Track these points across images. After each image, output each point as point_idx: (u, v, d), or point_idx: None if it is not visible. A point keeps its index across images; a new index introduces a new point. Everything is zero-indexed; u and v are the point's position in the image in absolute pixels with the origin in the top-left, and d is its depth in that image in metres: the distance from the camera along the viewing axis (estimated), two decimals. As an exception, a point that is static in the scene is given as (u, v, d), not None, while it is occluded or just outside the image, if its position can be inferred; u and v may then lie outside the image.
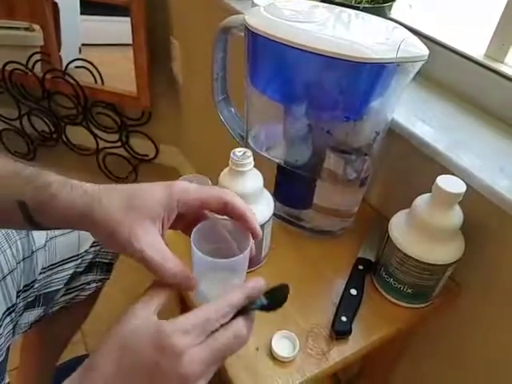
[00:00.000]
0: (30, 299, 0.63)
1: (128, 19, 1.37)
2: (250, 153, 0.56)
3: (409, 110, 0.66)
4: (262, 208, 0.58)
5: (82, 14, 1.78)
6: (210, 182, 0.67)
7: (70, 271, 0.69)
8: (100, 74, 1.57)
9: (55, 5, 1.55)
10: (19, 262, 0.60)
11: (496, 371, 0.66)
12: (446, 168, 0.59)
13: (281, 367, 0.54)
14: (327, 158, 0.61)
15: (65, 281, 0.68)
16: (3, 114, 1.70)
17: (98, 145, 1.66)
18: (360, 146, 0.62)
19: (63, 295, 0.71)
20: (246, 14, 0.57)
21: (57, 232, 0.67)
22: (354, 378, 0.93)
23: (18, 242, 0.61)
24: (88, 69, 1.56)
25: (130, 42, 1.40)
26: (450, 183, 0.53)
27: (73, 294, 0.73)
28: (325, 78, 0.53)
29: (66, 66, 1.51)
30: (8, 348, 0.59)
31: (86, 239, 0.71)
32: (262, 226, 0.57)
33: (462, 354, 0.71)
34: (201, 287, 0.39)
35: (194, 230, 0.40)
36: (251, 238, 0.40)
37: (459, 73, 0.69)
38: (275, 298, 0.37)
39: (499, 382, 0.66)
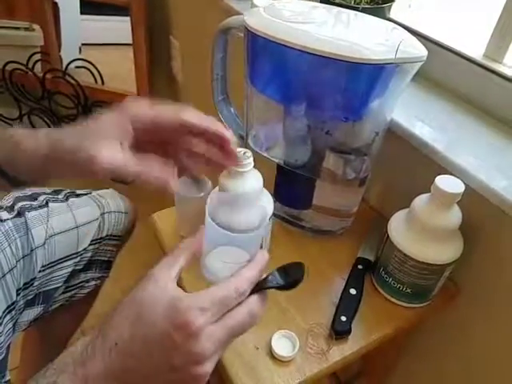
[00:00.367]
0: (29, 297, 0.64)
1: (128, 19, 1.37)
2: (250, 153, 0.56)
3: (408, 110, 0.67)
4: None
5: (82, 13, 1.78)
6: (210, 182, 0.68)
7: (69, 269, 0.69)
8: (100, 74, 1.57)
9: (55, 5, 1.55)
10: (19, 260, 0.61)
11: (495, 371, 0.67)
12: (445, 168, 0.59)
13: (280, 366, 0.55)
14: (327, 157, 0.61)
15: (64, 279, 0.69)
16: (3, 113, 1.70)
17: (98, 145, 1.66)
18: (359, 146, 0.62)
19: (62, 293, 0.71)
20: (245, 15, 0.57)
21: (56, 230, 0.67)
22: (353, 377, 0.93)
23: (18, 241, 0.61)
24: (88, 69, 1.56)
25: (130, 41, 1.40)
26: (448, 183, 0.53)
27: (72, 292, 0.73)
28: (324, 78, 0.53)
29: (67, 66, 1.51)
30: (8, 346, 0.60)
31: (85, 237, 0.71)
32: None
33: (461, 353, 0.71)
34: (211, 263, 0.39)
35: (208, 201, 0.39)
36: (269, 213, 0.39)
37: (458, 73, 0.69)
38: (291, 277, 0.37)
39: (498, 381, 0.67)
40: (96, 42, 1.83)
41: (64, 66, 1.51)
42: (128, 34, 1.40)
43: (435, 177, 0.54)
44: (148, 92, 1.45)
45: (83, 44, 1.74)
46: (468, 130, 0.64)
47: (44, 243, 0.65)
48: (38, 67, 1.54)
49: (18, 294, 0.61)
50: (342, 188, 0.64)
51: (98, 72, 1.57)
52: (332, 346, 0.56)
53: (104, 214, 0.74)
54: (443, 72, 0.71)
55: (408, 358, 0.83)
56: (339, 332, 0.57)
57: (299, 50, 0.50)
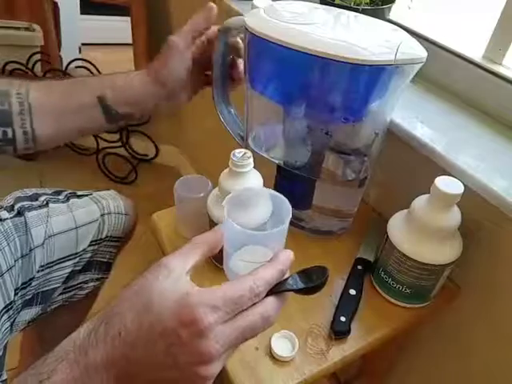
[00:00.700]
0: (27, 297, 0.64)
1: (128, 19, 1.37)
2: (249, 154, 0.57)
3: (407, 111, 0.67)
4: (261, 209, 0.59)
5: (82, 13, 1.79)
6: (209, 182, 0.68)
7: (68, 270, 0.69)
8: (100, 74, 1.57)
9: (55, 5, 1.55)
10: (17, 260, 0.61)
11: (495, 371, 0.67)
12: (445, 169, 0.59)
13: (280, 367, 0.55)
14: (326, 158, 0.61)
15: (63, 279, 0.69)
16: (3, 113, 1.70)
17: (98, 144, 1.66)
18: (359, 146, 0.62)
19: (61, 294, 0.71)
20: (245, 16, 0.57)
21: (55, 230, 0.67)
22: (353, 377, 0.93)
23: (17, 240, 0.62)
24: (88, 68, 1.56)
25: (130, 41, 1.41)
26: (448, 184, 0.53)
27: (71, 293, 0.73)
28: (323, 79, 0.53)
29: (67, 66, 1.51)
30: (5, 345, 0.60)
31: (85, 238, 0.71)
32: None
33: (461, 354, 0.72)
34: (232, 264, 0.37)
35: (226, 199, 0.38)
36: (291, 210, 0.37)
37: (457, 74, 0.69)
38: (312, 282, 0.34)
39: (498, 381, 0.67)
40: (96, 42, 1.83)
41: (64, 66, 1.52)
42: (128, 34, 1.40)
43: (435, 178, 0.54)
44: (148, 92, 1.45)
45: (83, 44, 1.74)
46: (467, 131, 0.64)
47: (43, 243, 0.65)
48: (38, 67, 1.54)
49: (15, 294, 0.61)
50: (341, 188, 0.63)
51: (98, 72, 1.57)
52: (331, 347, 0.56)
53: (104, 215, 0.74)
54: (443, 73, 0.72)
55: (408, 359, 0.83)
56: (339, 332, 0.57)
57: (299, 52, 0.50)
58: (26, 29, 1.53)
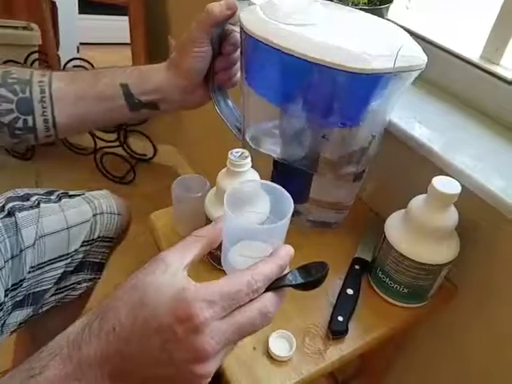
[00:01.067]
0: (18, 298, 0.63)
1: (126, 18, 1.37)
2: (247, 153, 0.57)
3: (405, 111, 0.67)
4: (261, 205, 0.58)
5: (80, 13, 1.78)
6: (207, 182, 0.68)
7: (60, 270, 0.68)
8: (98, 74, 1.57)
9: (53, 4, 1.55)
10: (7, 261, 0.60)
11: (493, 371, 0.67)
12: (442, 169, 0.59)
13: (277, 366, 0.55)
14: (323, 154, 0.60)
15: (54, 280, 0.68)
16: (1, 113, 1.70)
17: (95, 144, 1.66)
18: (356, 149, 0.62)
19: (53, 295, 0.70)
20: (241, 12, 0.56)
21: (46, 231, 0.66)
22: (351, 377, 0.93)
23: (7, 241, 0.61)
24: (86, 68, 1.56)
25: (129, 41, 1.40)
26: (445, 184, 0.53)
27: (63, 294, 0.72)
28: (320, 85, 0.53)
29: (64, 66, 1.51)
30: None
31: (76, 238, 0.70)
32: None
33: (459, 353, 0.72)
34: (231, 259, 0.36)
35: (227, 193, 0.37)
36: (292, 203, 0.37)
37: (455, 74, 0.69)
38: (311, 277, 0.34)
39: (496, 381, 0.67)
40: (94, 41, 1.83)
41: (62, 66, 1.51)
42: (126, 33, 1.40)
43: (432, 177, 0.54)
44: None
45: (81, 43, 1.74)
46: (465, 131, 0.64)
47: (34, 244, 0.64)
48: (36, 66, 1.53)
49: (6, 295, 0.60)
50: (338, 182, 0.63)
51: (96, 71, 1.57)
52: (329, 346, 0.56)
53: (96, 215, 0.73)
54: (440, 73, 0.72)
55: (405, 358, 0.83)
56: (336, 332, 0.57)
57: (296, 57, 0.49)
58: (24, 28, 1.53)
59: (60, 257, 0.68)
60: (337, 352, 0.56)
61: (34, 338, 0.85)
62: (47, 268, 0.66)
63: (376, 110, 0.55)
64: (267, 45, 0.51)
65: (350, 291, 0.62)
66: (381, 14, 0.68)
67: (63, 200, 0.72)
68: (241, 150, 0.57)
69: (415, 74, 0.52)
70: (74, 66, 1.55)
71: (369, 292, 0.64)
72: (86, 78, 0.56)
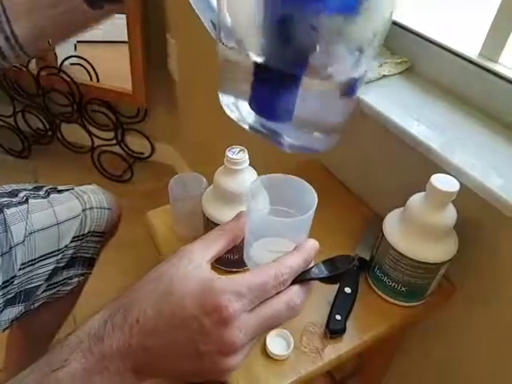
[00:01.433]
0: (9, 296, 0.63)
1: (124, 16, 1.36)
2: (245, 151, 0.56)
3: (403, 109, 0.67)
4: (260, 204, 0.58)
5: (77, 10, 1.77)
6: (204, 180, 0.67)
7: (51, 267, 0.68)
8: (95, 71, 1.56)
9: (50, 1, 1.54)
10: None
11: (492, 370, 0.67)
12: (440, 167, 0.59)
13: (275, 365, 0.54)
14: (312, 54, 0.49)
15: (46, 276, 0.68)
16: (-3, 110, 1.69)
17: (93, 142, 1.65)
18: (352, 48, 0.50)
19: (44, 291, 0.70)
20: None
21: (36, 227, 0.66)
22: (348, 376, 0.93)
23: None
24: (83, 66, 1.55)
25: (126, 39, 1.40)
26: (443, 182, 0.53)
27: (54, 290, 0.72)
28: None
29: (62, 63, 1.50)
30: None
31: (67, 233, 0.70)
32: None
33: (457, 353, 0.72)
34: (256, 253, 0.36)
35: (250, 187, 0.36)
36: (316, 197, 0.36)
37: (454, 72, 0.69)
38: (337, 270, 0.34)
39: (495, 381, 0.67)
40: (91, 39, 1.81)
41: (59, 63, 1.50)
42: (124, 31, 1.39)
43: (430, 176, 0.54)
44: (144, 90, 1.44)
45: (78, 41, 1.72)
46: (463, 129, 0.64)
47: (24, 240, 0.63)
48: (33, 64, 1.53)
49: None
50: (327, 95, 0.49)
51: (93, 69, 1.56)
52: (327, 345, 0.56)
53: (86, 210, 0.73)
54: (439, 71, 0.71)
55: (403, 357, 0.83)
56: (334, 331, 0.57)
57: None
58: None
59: (51, 253, 0.68)
60: (335, 351, 0.56)
61: (26, 333, 0.85)
62: (38, 264, 0.66)
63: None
64: None
65: (347, 290, 0.61)
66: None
67: (52, 195, 0.71)
68: (239, 147, 0.57)
69: None
70: (71, 64, 1.54)
71: (367, 290, 0.64)
72: None
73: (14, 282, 0.62)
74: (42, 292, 0.69)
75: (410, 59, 0.74)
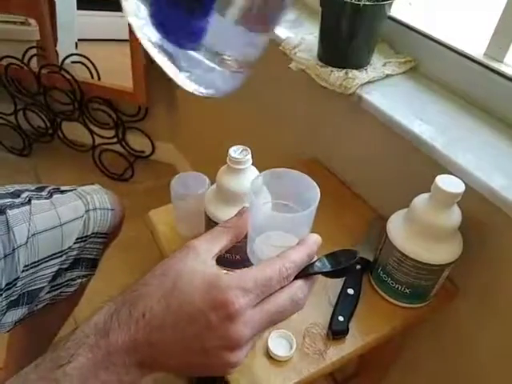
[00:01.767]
0: (12, 298, 0.62)
1: (125, 14, 1.36)
2: (248, 150, 0.56)
3: (407, 109, 0.66)
4: (262, 199, 0.57)
5: (78, 8, 1.77)
6: (207, 179, 0.67)
7: (54, 268, 0.67)
8: (96, 70, 1.55)
9: (52, -1, 1.53)
10: (0, 260, 0.59)
11: (494, 373, 0.66)
12: (444, 167, 0.58)
13: (277, 367, 0.54)
14: None
15: (49, 278, 0.67)
16: (-2, 109, 1.69)
17: (93, 141, 1.65)
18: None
19: (48, 292, 0.69)
20: None
21: (39, 228, 0.65)
22: (350, 377, 0.92)
23: None
24: (84, 64, 1.54)
25: (127, 37, 1.39)
26: (449, 183, 0.52)
27: (58, 291, 0.71)
28: None
29: (63, 61, 1.50)
30: None
31: (70, 235, 0.69)
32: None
33: (459, 355, 0.71)
34: (259, 247, 0.36)
35: (252, 183, 0.36)
36: (319, 191, 0.36)
37: (458, 71, 0.69)
38: (340, 264, 0.34)
39: (497, 383, 0.66)
40: (92, 37, 1.81)
41: (60, 61, 1.50)
42: (125, 29, 1.38)
43: (434, 176, 0.54)
44: (145, 88, 1.44)
45: (79, 39, 1.72)
46: (468, 129, 0.64)
47: (26, 242, 0.63)
48: (34, 62, 1.52)
49: (0, 295, 0.59)
50: (237, 26, 0.39)
51: (95, 67, 1.55)
52: (329, 347, 0.56)
53: (89, 211, 0.72)
54: (443, 70, 0.71)
55: (406, 357, 0.82)
56: (337, 332, 0.57)
57: None
58: (22, 23, 1.51)
59: (54, 254, 0.67)
60: (337, 352, 0.56)
61: (28, 333, 0.84)
62: (41, 266, 0.65)
63: None
64: None
65: (350, 291, 0.61)
66: (384, 11, 0.67)
67: (55, 196, 0.70)
68: (241, 146, 0.56)
69: None
70: (73, 62, 1.53)
71: (370, 292, 0.63)
72: None
73: (17, 284, 0.62)
74: (46, 294, 0.69)
75: (414, 59, 0.74)
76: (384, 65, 0.73)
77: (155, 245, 0.71)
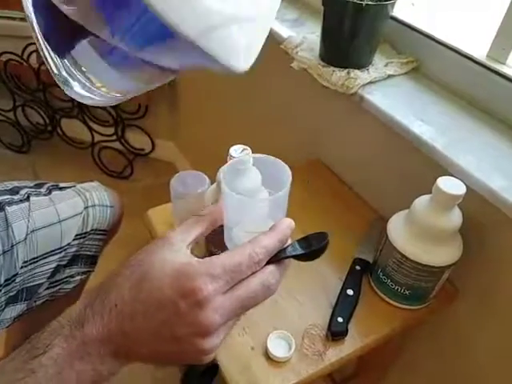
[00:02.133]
0: (11, 294, 0.62)
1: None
2: (248, 149, 0.55)
3: (408, 109, 0.66)
4: (252, 182, 0.57)
5: (78, 5, 1.76)
6: (207, 178, 0.67)
7: (53, 264, 0.67)
8: (96, 67, 1.55)
9: (52, -5, 1.52)
10: None
11: (494, 375, 0.66)
12: (445, 168, 0.58)
13: (276, 367, 0.54)
14: None
15: (48, 274, 0.67)
16: (-3, 105, 1.68)
17: (93, 138, 1.64)
18: None
19: (47, 289, 0.69)
20: None
21: (38, 225, 0.65)
22: (349, 377, 0.92)
23: None
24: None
25: (128, 34, 1.39)
26: (450, 185, 0.52)
27: (57, 288, 0.71)
28: None
29: (62, 58, 1.49)
30: None
31: (69, 231, 0.69)
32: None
33: (458, 356, 0.71)
34: (235, 237, 0.37)
35: (222, 169, 0.37)
36: (290, 174, 0.36)
37: (460, 73, 0.68)
38: (312, 247, 0.34)
39: (494, 384, 0.66)
40: (93, 34, 1.80)
41: (60, 58, 1.49)
42: (125, 26, 1.38)
43: (435, 177, 0.53)
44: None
45: (80, 36, 1.71)
46: (468, 130, 0.63)
47: (25, 238, 0.63)
48: (34, 58, 1.51)
49: None
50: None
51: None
52: (328, 348, 0.56)
53: (88, 207, 0.72)
54: (445, 71, 0.71)
55: (404, 359, 0.82)
56: (336, 333, 0.56)
57: None
58: (21, 19, 1.50)
59: (53, 251, 0.67)
60: (336, 353, 0.56)
61: (26, 330, 0.84)
62: (40, 262, 0.65)
63: None
64: None
65: (350, 292, 0.61)
66: (386, 11, 0.67)
67: (53, 193, 0.71)
68: (242, 146, 0.56)
69: None
70: (72, 59, 1.53)
71: (369, 293, 0.63)
72: None
73: (16, 280, 0.62)
74: (44, 290, 0.69)
75: (416, 59, 0.74)
76: (386, 65, 0.73)
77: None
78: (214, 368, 0.52)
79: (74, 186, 0.75)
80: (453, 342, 0.71)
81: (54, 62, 0.36)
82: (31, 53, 1.50)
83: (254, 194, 0.56)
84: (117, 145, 1.67)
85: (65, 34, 0.33)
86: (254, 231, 0.35)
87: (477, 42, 0.67)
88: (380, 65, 0.73)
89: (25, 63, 1.49)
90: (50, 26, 0.33)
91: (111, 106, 1.55)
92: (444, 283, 0.60)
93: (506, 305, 0.60)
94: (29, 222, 0.64)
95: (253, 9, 0.29)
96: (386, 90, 0.70)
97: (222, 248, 0.42)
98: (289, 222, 0.35)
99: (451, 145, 0.60)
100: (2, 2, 1.47)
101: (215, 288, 0.30)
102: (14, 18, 1.50)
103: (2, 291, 0.60)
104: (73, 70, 0.36)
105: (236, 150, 0.55)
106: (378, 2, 0.66)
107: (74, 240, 0.70)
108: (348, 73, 0.70)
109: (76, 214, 0.70)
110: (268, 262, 0.33)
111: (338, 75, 0.70)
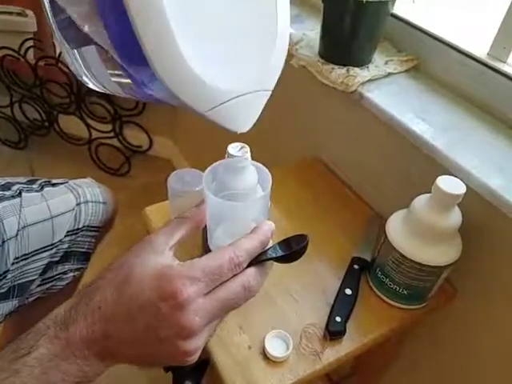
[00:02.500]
0: (2, 290, 0.62)
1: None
2: (247, 147, 0.55)
3: (408, 108, 0.65)
4: (248, 182, 0.56)
5: (76, 0, 1.75)
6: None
7: (45, 261, 0.67)
8: (94, 63, 1.54)
9: (49, -10, 1.51)
10: None
11: (492, 374, 0.66)
12: (444, 167, 0.58)
13: (273, 367, 0.53)
14: None
15: (39, 271, 0.67)
16: (-6, 100, 1.67)
17: (90, 135, 1.63)
18: None
19: (39, 285, 0.69)
20: None
21: (29, 221, 0.65)
22: (346, 376, 0.92)
23: None
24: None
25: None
26: (450, 184, 0.52)
27: (49, 284, 0.71)
28: None
29: (60, 54, 1.48)
30: None
31: (61, 228, 0.68)
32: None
33: (457, 356, 0.71)
34: (217, 239, 0.37)
35: (206, 172, 0.37)
36: (270, 177, 0.36)
37: (461, 71, 0.68)
38: (292, 249, 0.34)
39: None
40: (91, 29, 1.79)
41: (57, 53, 1.48)
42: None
43: (434, 176, 0.53)
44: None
45: (77, 31, 1.70)
46: (468, 129, 0.63)
47: (16, 234, 0.62)
48: (31, 54, 1.50)
49: None
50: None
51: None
52: (326, 347, 0.55)
53: (80, 204, 0.72)
54: (445, 70, 0.70)
55: (402, 358, 0.82)
56: (334, 333, 0.56)
57: None
58: (19, 14, 1.49)
59: (44, 247, 0.66)
60: (334, 353, 0.55)
61: (18, 328, 0.83)
62: (32, 259, 0.65)
63: None
64: None
65: (348, 291, 0.60)
66: (387, 8, 0.66)
67: (46, 189, 0.70)
68: (240, 144, 0.55)
69: None
70: (70, 55, 1.52)
71: (368, 292, 0.63)
72: None
73: (7, 277, 0.61)
74: (37, 287, 0.68)
75: (416, 57, 0.73)
76: (386, 63, 0.72)
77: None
78: (203, 364, 0.52)
79: (67, 182, 0.74)
80: (451, 342, 0.71)
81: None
82: (28, 48, 1.48)
83: (251, 192, 0.56)
84: (114, 142, 1.66)
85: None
86: (235, 233, 0.35)
87: (478, 40, 0.67)
88: (380, 62, 0.72)
89: (22, 59, 1.48)
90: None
91: (109, 103, 1.54)
92: (443, 283, 0.60)
93: (505, 305, 0.60)
94: (20, 218, 0.63)
95: (255, 85, 0.33)
96: (386, 88, 0.69)
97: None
98: (270, 225, 0.36)
99: (451, 144, 0.60)
100: (-1, -4, 1.45)
101: (195, 290, 0.30)
102: (11, 13, 1.48)
103: None
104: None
105: (234, 148, 0.54)
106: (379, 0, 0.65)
107: (65, 236, 0.69)
108: (348, 70, 0.70)
109: (68, 211, 0.69)
110: (249, 265, 0.33)
111: (337, 73, 0.69)
